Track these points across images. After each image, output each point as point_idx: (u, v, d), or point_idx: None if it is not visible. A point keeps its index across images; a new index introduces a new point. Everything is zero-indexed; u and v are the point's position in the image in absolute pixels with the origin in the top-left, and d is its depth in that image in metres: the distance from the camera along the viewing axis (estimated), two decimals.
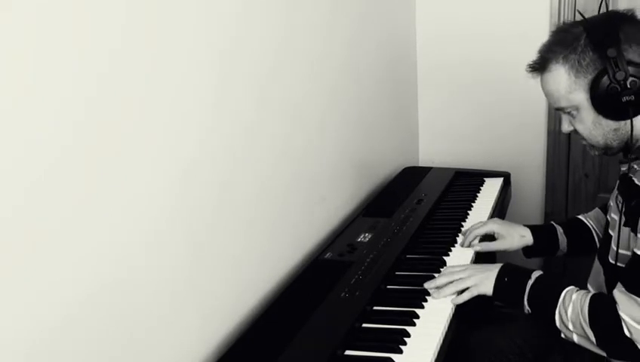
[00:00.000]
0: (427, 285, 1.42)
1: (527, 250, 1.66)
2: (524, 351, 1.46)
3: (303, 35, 1.62)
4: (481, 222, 1.72)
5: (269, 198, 1.46)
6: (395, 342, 1.23)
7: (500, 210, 2.01)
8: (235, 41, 1.29)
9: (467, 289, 1.38)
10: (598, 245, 1.61)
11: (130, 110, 0.99)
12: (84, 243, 0.91)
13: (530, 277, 1.35)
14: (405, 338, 1.24)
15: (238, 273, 1.34)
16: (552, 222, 1.70)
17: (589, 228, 1.65)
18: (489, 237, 1.68)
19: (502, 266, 1.40)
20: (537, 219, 2.66)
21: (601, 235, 1.60)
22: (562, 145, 2.56)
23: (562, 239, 1.65)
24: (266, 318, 1.32)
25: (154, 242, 1.07)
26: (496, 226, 1.66)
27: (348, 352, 1.21)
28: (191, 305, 1.18)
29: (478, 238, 1.67)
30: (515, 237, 1.64)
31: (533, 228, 1.67)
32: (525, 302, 1.33)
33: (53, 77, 0.84)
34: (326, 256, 1.58)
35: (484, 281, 1.38)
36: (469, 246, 1.65)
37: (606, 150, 1.35)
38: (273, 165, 1.47)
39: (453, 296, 1.38)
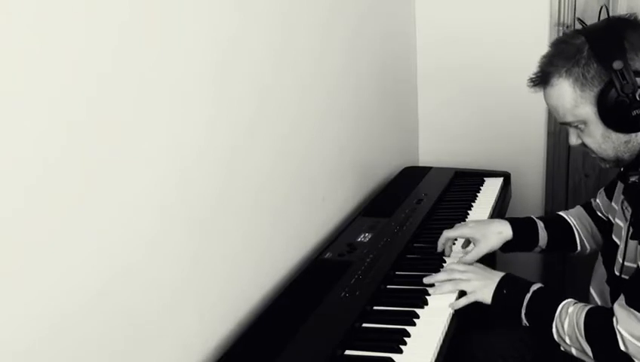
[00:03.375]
0: (426, 280, 1.42)
1: (504, 245, 1.58)
2: (523, 353, 1.45)
3: (303, 36, 1.62)
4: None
5: (269, 198, 1.46)
6: (395, 341, 1.23)
7: (499, 210, 2.00)
8: (235, 41, 1.29)
9: (464, 293, 1.38)
10: (578, 244, 1.60)
11: (130, 110, 0.99)
12: (84, 243, 0.91)
13: (528, 291, 1.33)
14: (405, 338, 1.24)
15: (237, 273, 1.34)
16: (532, 216, 1.64)
17: (571, 226, 1.61)
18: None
19: (502, 277, 1.38)
20: None
21: (581, 233, 1.60)
22: (562, 145, 2.56)
23: (543, 234, 1.60)
24: (265, 318, 1.32)
25: (154, 242, 1.07)
26: (468, 230, 1.57)
27: (348, 352, 1.21)
28: (191, 305, 1.18)
29: (451, 241, 1.62)
30: (491, 237, 1.54)
31: (512, 222, 1.59)
32: (523, 316, 1.32)
33: (54, 77, 0.84)
34: (326, 256, 1.58)
35: (483, 289, 1.37)
36: (442, 249, 1.60)
37: (617, 162, 1.30)
38: (273, 165, 1.47)
39: (451, 297, 1.37)
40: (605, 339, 1.20)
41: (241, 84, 1.32)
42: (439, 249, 1.61)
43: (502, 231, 1.57)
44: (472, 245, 1.58)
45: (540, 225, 1.61)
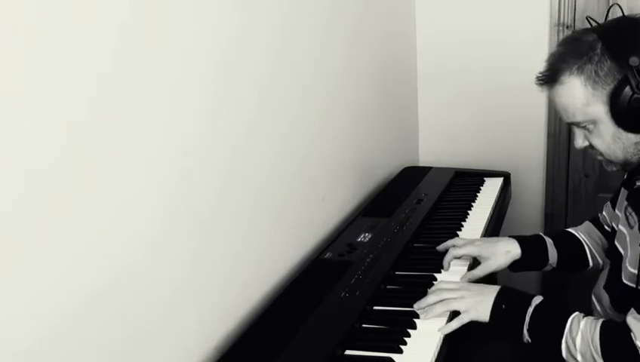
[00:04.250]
0: (416, 305, 1.33)
1: (513, 264, 1.53)
2: (524, 356, 1.44)
3: (303, 36, 1.62)
4: (463, 239, 1.58)
5: (269, 198, 1.46)
6: (395, 341, 1.23)
7: (499, 210, 2.01)
8: (235, 41, 1.29)
9: (457, 313, 1.29)
10: (590, 260, 1.55)
11: (130, 110, 0.99)
12: (84, 243, 0.91)
13: (530, 304, 1.26)
14: (405, 338, 1.24)
15: (237, 273, 1.34)
16: (541, 234, 1.60)
17: (582, 243, 1.56)
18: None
19: (499, 290, 1.30)
20: (537, 220, 2.66)
21: (592, 248, 1.56)
22: (562, 146, 2.56)
23: (552, 252, 1.54)
24: (265, 318, 1.31)
25: (154, 242, 1.07)
26: (475, 249, 1.52)
27: (348, 352, 1.21)
28: (190, 305, 1.18)
29: (466, 259, 1.56)
30: (499, 255, 1.50)
31: (520, 240, 1.53)
32: (525, 332, 1.25)
33: (54, 77, 0.84)
34: (326, 256, 1.58)
35: (478, 307, 1.28)
36: (448, 268, 1.53)
37: (624, 165, 1.26)
38: (273, 165, 1.47)
39: (443, 319, 1.29)
40: (624, 356, 1.15)
41: (241, 84, 1.32)
42: (446, 268, 1.53)
43: (510, 250, 1.52)
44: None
45: (549, 242, 1.56)
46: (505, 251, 1.52)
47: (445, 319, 1.30)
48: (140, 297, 1.04)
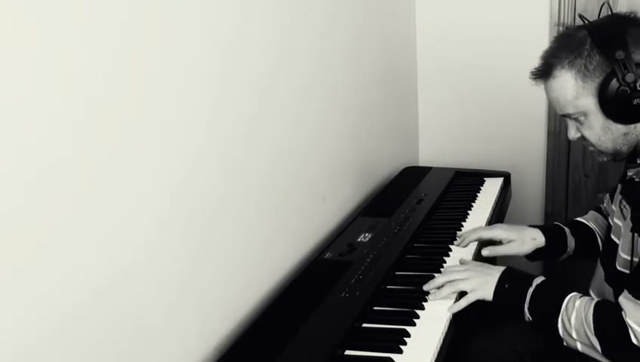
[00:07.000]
0: (426, 287, 1.39)
1: (533, 253, 1.58)
2: (523, 357, 1.45)
3: (304, 36, 1.62)
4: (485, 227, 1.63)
5: (269, 198, 1.46)
6: (395, 341, 1.23)
7: (499, 210, 2.01)
8: (236, 41, 1.29)
9: (464, 294, 1.35)
10: (601, 246, 1.57)
11: (131, 110, 0.99)
12: (84, 242, 0.91)
13: (531, 285, 1.31)
14: (405, 338, 1.24)
15: (238, 273, 1.34)
16: (558, 223, 1.64)
17: (593, 231, 1.60)
18: (492, 242, 1.60)
19: (503, 271, 1.36)
20: (537, 219, 2.66)
21: (603, 238, 1.58)
22: (562, 145, 2.56)
23: (571, 240, 1.59)
24: (266, 318, 1.32)
25: (154, 242, 1.07)
26: (503, 232, 1.57)
27: (348, 352, 1.21)
28: (191, 305, 1.18)
29: (477, 242, 1.61)
30: (527, 240, 1.56)
31: (543, 229, 1.59)
32: (526, 311, 1.31)
33: (55, 77, 0.84)
34: (326, 256, 1.58)
35: (484, 286, 1.35)
36: (466, 246, 1.60)
37: (615, 156, 1.32)
38: (273, 165, 1.47)
39: (451, 301, 1.35)
40: (616, 334, 1.19)
41: (241, 85, 1.32)
42: (463, 244, 1.60)
43: (536, 238, 1.57)
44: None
45: (567, 231, 1.60)
46: (532, 238, 1.57)
47: (444, 323, 1.31)
48: (141, 297, 1.04)
